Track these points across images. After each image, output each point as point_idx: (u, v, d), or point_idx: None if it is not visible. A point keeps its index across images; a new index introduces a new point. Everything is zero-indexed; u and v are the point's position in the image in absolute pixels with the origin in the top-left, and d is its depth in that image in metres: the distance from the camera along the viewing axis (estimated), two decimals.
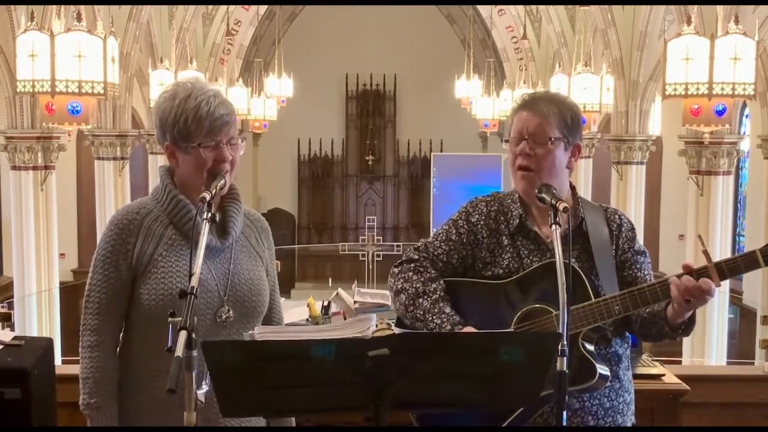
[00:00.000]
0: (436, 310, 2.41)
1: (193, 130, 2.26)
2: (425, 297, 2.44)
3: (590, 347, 2.37)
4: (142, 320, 2.30)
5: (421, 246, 2.56)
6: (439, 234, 2.56)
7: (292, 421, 2.49)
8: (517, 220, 2.47)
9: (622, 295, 2.33)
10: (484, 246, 2.49)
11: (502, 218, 2.51)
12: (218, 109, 2.27)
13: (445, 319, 2.40)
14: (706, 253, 2.28)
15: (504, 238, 2.48)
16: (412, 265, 2.52)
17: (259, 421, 2.36)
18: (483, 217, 2.52)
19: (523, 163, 2.42)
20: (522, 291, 2.40)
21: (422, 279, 2.48)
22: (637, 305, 2.32)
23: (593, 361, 2.33)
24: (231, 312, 2.30)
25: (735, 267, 2.28)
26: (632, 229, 2.54)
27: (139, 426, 2.31)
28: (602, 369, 2.35)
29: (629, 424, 2.51)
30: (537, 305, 2.38)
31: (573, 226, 2.42)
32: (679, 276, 2.27)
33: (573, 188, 2.53)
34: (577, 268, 2.33)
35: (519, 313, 2.40)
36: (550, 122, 2.41)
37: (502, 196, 2.56)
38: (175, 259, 2.29)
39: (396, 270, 2.54)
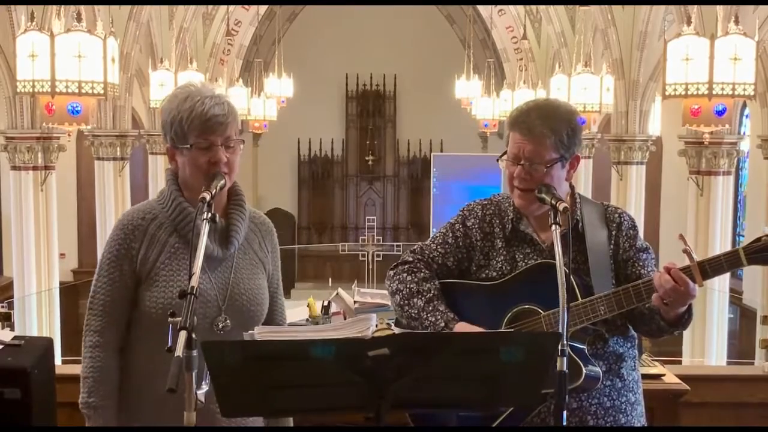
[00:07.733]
0: (430, 308, 2.44)
1: (187, 130, 2.27)
2: (419, 296, 2.47)
3: (581, 347, 2.35)
4: (144, 324, 2.31)
5: (417, 249, 2.58)
6: (436, 237, 2.58)
7: (290, 421, 2.48)
8: (510, 225, 2.49)
9: (608, 295, 2.32)
10: (478, 249, 2.51)
11: (497, 221, 2.52)
12: (213, 109, 2.26)
13: (439, 317, 2.42)
14: (687, 252, 2.26)
15: (498, 241, 2.50)
16: (406, 266, 2.54)
17: (259, 421, 2.36)
18: (478, 221, 2.54)
19: (520, 185, 2.43)
20: (513, 292, 2.41)
21: (416, 279, 2.50)
22: (622, 305, 2.32)
23: (579, 361, 2.31)
24: (228, 321, 2.31)
25: (718, 266, 2.26)
26: (633, 226, 2.53)
27: (140, 426, 2.31)
28: (590, 369, 2.33)
29: (638, 425, 2.48)
30: (527, 306, 2.39)
31: (569, 227, 2.42)
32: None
33: (572, 188, 2.53)
34: (565, 269, 2.33)
35: (509, 314, 2.40)
36: (546, 145, 2.38)
37: (500, 200, 2.57)
38: (177, 267, 2.30)
39: (391, 273, 2.57)
